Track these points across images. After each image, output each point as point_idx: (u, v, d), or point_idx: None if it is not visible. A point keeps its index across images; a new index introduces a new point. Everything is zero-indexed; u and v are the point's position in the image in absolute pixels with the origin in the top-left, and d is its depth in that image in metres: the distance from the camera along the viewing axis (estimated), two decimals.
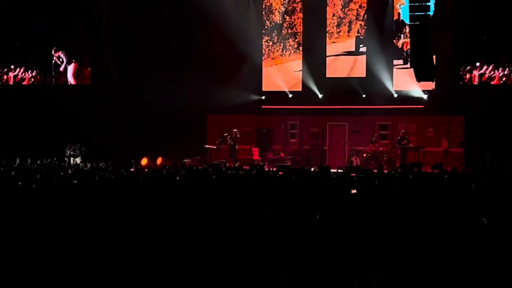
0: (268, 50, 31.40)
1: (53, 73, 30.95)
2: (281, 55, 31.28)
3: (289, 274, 9.08)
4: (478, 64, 27.50)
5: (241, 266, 8.61)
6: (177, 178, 15.55)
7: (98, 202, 10.71)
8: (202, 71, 29.00)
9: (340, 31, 30.50)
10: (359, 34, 30.11)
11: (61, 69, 30.84)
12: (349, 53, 30.38)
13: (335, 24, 30.46)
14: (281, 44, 31.15)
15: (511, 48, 26.66)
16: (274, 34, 31.24)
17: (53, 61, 30.85)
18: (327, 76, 30.51)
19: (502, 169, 17.74)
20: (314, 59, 30.31)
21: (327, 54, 30.55)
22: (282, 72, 31.20)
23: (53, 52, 30.70)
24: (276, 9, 31.17)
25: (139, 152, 26.19)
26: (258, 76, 31.12)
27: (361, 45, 30.06)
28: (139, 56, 28.78)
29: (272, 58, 31.40)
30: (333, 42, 30.54)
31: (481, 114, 26.43)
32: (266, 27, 31.32)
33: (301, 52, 30.88)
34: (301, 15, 30.96)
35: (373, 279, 8.99)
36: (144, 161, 25.71)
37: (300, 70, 30.70)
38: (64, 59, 30.79)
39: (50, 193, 11.39)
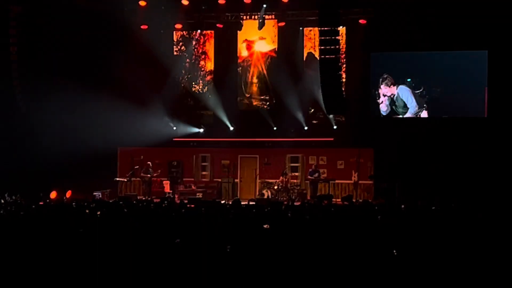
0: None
1: None
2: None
3: None
4: (385, 97, 27.99)
5: None
6: (87, 211, 15.32)
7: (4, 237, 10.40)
8: (113, 103, 28.48)
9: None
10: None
11: None
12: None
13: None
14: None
15: None
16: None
17: None
18: (238, 108, 30.52)
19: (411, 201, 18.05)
20: (226, 93, 30.29)
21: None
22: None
23: None
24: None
25: (48, 185, 25.64)
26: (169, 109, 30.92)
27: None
28: (49, 88, 28.02)
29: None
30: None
31: (390, 147, 26.83)
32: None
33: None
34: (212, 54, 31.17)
35: None
36: (53, 195, 25.20)
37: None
38: None
39: None
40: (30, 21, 27.85)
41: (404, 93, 27.49)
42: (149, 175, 28.35)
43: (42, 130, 27.87)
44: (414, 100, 27.29)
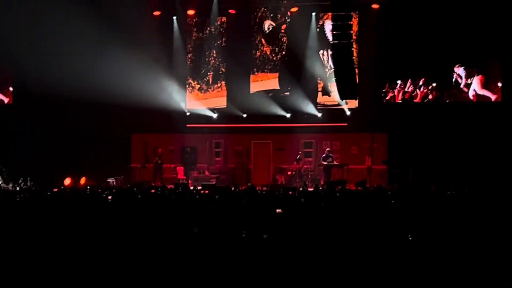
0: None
1: None
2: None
3: None
4: (399, 82, 27.90)
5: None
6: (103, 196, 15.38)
7: (19, 223, 10.43)
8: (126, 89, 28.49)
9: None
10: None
11: None
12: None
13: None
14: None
15: (430, 67, 27.20)
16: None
17: None
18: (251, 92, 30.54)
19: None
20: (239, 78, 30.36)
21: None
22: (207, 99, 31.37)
23: None
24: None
25: (62, 172, 25.71)
26: (182, 95, 30.97)
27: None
28: (62, 74, 27.91)
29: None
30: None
31: (403, 132, 26.73)
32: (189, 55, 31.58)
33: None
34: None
35: None
36: (67, 181, 25.31)
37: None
38: None
39: None
40: None
41: None
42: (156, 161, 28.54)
43: (56, 116, 27.88)
44: None
